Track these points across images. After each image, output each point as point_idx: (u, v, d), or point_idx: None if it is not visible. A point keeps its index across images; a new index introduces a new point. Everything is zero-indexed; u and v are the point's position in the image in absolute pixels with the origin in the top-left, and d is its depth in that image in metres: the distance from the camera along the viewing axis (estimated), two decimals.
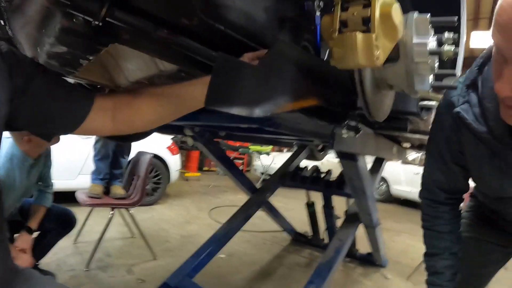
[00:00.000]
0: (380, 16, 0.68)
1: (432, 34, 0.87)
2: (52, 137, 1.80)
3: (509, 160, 0.92)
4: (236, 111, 0.70)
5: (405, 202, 7.49)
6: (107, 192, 2.99)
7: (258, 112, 0.75)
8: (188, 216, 4.80)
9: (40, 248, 2.28)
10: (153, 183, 4.92)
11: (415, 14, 0.85)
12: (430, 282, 1.17)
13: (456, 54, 0.84)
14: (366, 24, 0.69)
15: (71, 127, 0.79)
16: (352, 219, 2.53)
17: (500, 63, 0.73)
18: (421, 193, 1.21)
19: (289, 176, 3.20)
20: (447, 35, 0.85)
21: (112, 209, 2.84)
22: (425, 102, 1.85)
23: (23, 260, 1.82)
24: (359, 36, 0.68)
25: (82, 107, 0.79)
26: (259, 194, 3.08)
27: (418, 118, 1.73)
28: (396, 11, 0.70)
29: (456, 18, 0.86)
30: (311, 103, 1.00)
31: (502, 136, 0.88)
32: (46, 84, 0.74)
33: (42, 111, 0.74)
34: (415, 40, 0.82)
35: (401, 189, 7.60)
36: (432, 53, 0.83)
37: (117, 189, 3.01)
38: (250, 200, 3.02)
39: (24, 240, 2.02)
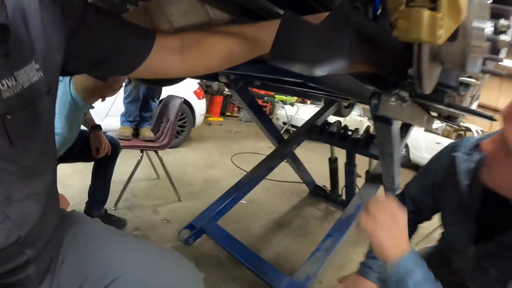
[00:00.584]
0: None
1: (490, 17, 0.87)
2: (108, 78, 1.77)
3: (469, 217, 0.97)
4: (297, 68, 0.72)
5: None
6: (136, 134, 3.07)
7: (317, 71, 0.77)
8: (210, 160, 4.92)
9: (104, 181, 2.43)
10: (178, 126, 4.99)
11: None
12: (364, 263, 1.26)
13: (510, 45, 0.85)
14: (434, 2, 0.68)
15: (128, 68, 0.77)
16: (374, 179, 2.56)
17: None
18: (401, 191, 1.31)
19: (316, 130, 3.20)
20: (502, 22, 0.86)
21: (141, 151, 2.94)
22: (465, 78, 1.83)
23: (63, 203, 1.93)
24: (426, 13, 0.68)
25: (140, 47, 0.76)
26: (285, 145, 3.11)
27: (456, 93, 1.70)
28: None
29: None
30: (367, 69, 1.00)
31: (476, 197, 0.95)
32: (98, 23, 0.71)
33: (95, 51, 0.72)
34: (475, 23, 0.82)
35: (420, 155, 7.57)
36: (488, 39, 0.83)
37: (146, 131, 3.08)
38: (276, 150, 3.06)
39: (100, 137, 2.25)
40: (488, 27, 0.83)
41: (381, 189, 2.59)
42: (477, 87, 1.93)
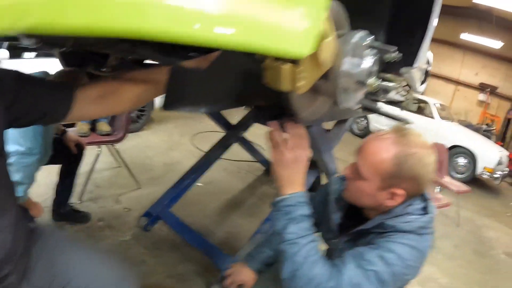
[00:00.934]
0: None
1: (370, 56, 0.94)
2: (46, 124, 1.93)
3: (333, 223, 1.27)
4: (186, 110, 0.92)
5: None
6: (93, 129, 3.22)
7: (203, 110, 0.99)
8: (171, 142, 5.08)
9: (71, 180, 2.61)
10: (138, 110, 5.06)
11: (356, 37, 0.90)
12: (249, 253, 1.56)
13: (377, 88, 0.97)
14: None
15: (58, 120, 0.99)
16: (312, 165, 2.82)
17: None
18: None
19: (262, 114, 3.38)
20: (392, 55, 0.94)
21: (99, 146, 3.11)
22: (384, 83, 2.02)
23: (36, 210, 2.13)
24: (286, 68, 0.75)
25: (65, 103, 0.96)
26: (234, 131, 3.29)
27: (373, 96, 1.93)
28: (326, 47, 0.74)
29: (395, 48, 0.95)
30: (251, 103, 1.17)
31: (340, 207, 1.28)
32: (29, 93, 0.91)
33: (31, 114, 0.93)
34: (344, 67, 0.88)
35: (380, 127, 7.95)
36: (358, 82, 0.92)
37: (103, 125, 3.22)
38: (226, 136, 3.23)
39: (72, 135, 2.50)
40: (366, 65, 0.92)
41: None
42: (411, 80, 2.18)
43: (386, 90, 2.33)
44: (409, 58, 1.89)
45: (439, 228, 3.91)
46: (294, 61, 0.73)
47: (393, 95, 2.97)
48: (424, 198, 1.14)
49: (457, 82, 12.01)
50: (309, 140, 1.09)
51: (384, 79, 2.06)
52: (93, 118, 1.06)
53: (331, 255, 1.12)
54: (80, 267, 1.17)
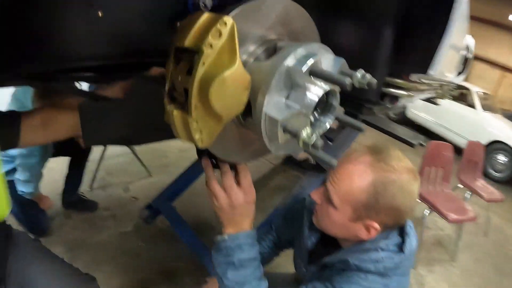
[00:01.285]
0: (197, 95, 0.51)
1: (316, 87, 0.61)
2: None
3: (305, 249, 1.17)
4: (111, 143, 0.84)
5: (418, 128, 7.49)
6: None
7: (131, 143, 0.89)
8: None
9: (79, 171, 2.71)
10: None
11: (290, 59, 0.57)
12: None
13: (317, 142, 0.59)
14: (186, 97, 0.52)
15: (12, 147, 0.96)
16: (317, 169, 2.68)
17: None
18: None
19: None
20: (358, 82, 0.59)
21: None
22: (392, 90, 1.80)
23: (45, 204, 2.20)
24: (176, 114, 0.55)
25: (11, 135, 0.93)
26: None
27: (380, 105, 1.74)
28: (219, 88, 0.51)
29: (360, 74, 0.59)
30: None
31: (312, 233, 1.17)
32: None
33: None
34: (267, 108, 0.58)
35: (417, 113, 7.66)
36: (286, 131, 0.60)
37: None
38: None
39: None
40: (292, 111, 0.61)
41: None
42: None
43: (395, 98, 2.09)
44: (424, 61, 1.65)
45: (464, 237, 3.48)
46: (184, 107, 0.53)
47: (415, 99, 2.73)
48: (402, 232, 1.01)
49: (505, 68, 10.96)
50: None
51: (392, 85, 1.85)
52: (42, 144, 1.02)
53: (300, 284, 1.04)
54: (48, 283, 1.16)
